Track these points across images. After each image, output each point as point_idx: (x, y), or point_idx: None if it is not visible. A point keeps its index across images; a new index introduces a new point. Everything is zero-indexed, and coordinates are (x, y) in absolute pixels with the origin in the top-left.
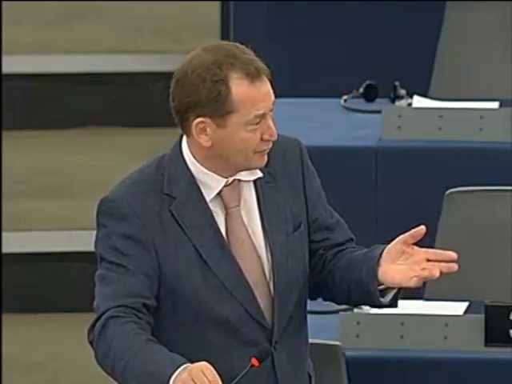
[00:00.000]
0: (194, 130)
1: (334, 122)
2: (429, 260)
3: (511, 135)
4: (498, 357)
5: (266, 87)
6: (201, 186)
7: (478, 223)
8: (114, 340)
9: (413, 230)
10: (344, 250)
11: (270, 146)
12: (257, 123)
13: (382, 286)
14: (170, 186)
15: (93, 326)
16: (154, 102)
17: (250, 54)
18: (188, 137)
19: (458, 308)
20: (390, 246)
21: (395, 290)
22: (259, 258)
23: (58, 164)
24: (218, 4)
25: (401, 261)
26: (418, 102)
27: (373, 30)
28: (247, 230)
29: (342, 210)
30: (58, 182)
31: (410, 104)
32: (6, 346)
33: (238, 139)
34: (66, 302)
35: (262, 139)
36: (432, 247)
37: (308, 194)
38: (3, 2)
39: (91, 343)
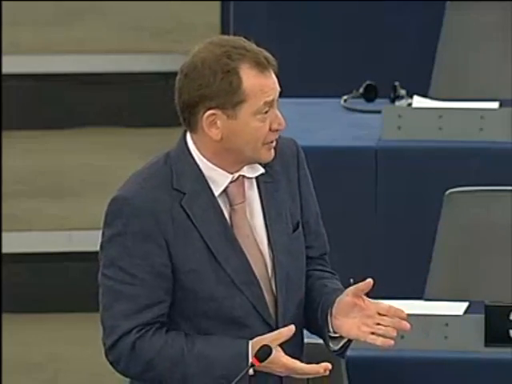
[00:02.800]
0: (204, 124)
1: (334, 122)
2: (380, 314)
3: (511, 135)
4: (498, 357)
5: (273, 76)
6: (209, 182)
7: (478, 223)
8: (155, 360)
9: (360, 284)
10: (311, 270)
11: (277, 136)
12: (266, 112)
13: (335, 334)
14: (179, 181)
15: (113, 344)
16: (154, 102)
17: (255, 46)
18: (195, 133)
19: (458, 308)
20: (340, 297)
21: (345, 340)
22: (262, 254)
23: (58, 164)
24: (218, 4)
25: (354, 313)
26: (418, 102)
27: (373, 30)
28: (250, 227)
29: (342, 210)
30: (58, 182)
31: (410, 104)
32: (6, 346)
33: (248, 130)
34: (66, 302)
35: (270, 129)
36: (432, 247)
37: (302, 194)
38: (3, 2)
39: (113, 362)
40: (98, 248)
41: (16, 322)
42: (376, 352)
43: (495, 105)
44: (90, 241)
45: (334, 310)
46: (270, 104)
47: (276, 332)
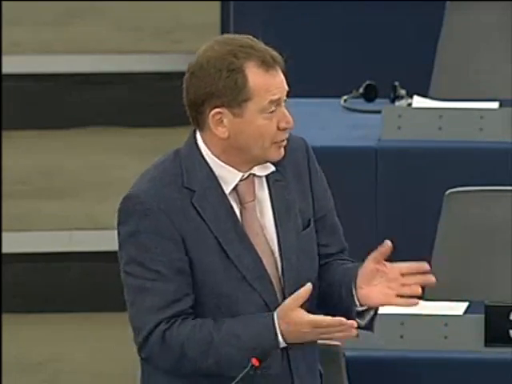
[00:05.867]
0: (210, 122)
1: (334, 122)
2: (403, 274)
3: (511, 135)
4: (498, 357)
5: (280, 75)
6: (219, 179)
7: (478, 223)
8: (185, 346)
9: (380, 248)
10: (332, 261)
11: (287, 136)
12: (272, 111)
13: (362, 308)
14: (190, 179)
15: (145, 340)
16: (154, 102)
17: (263, 45)
18: (203, 131)
19: (458, 308)
20: (362, 267)
21: (372, 313)
22: (272, 252)
23: (58, 164)
24: (218, 4)
25: (377, 280)
26: (418, 102)
27: (373, 30)
28: (261, 225)
29: (342, 210)
30: (58, 182)
31: (410, 104)
32: (6, 346)
33: (254, 128)
34: (66, 302)
35: (278, 128)
36: (432, 247)
37: (314, 191)
38: (3, 2)
39: (147, 358)
40: (98, 248)
41: (16, 322)
42: (376, 352)
43: (495, 105)
44: (90, 241)
45: (358, 281)
46: (276, 102)
47: (295, 295)
